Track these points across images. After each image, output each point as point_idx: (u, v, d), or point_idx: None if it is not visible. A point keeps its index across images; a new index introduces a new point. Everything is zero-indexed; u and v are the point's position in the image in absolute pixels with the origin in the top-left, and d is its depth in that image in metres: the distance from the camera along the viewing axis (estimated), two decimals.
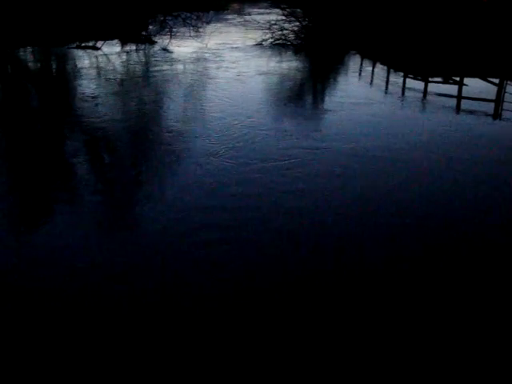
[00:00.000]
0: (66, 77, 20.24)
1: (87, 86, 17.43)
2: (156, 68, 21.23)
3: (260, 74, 19.80)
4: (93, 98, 15.58)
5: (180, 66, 21.65)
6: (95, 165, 10.68)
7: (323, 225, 7.90)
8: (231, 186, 9.23)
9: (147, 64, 22.66)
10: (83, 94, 16.28)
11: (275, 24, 29.44)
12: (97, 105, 14.74)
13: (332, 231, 7.73)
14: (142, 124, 13.49)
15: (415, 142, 12.13)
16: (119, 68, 21.58)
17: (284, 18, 29.86)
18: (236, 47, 26.97)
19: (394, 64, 21.83)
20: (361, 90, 17.99)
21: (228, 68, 20.92)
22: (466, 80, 18.16)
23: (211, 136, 12.06)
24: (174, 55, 24.43)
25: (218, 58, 23.21)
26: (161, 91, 17.35)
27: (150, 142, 11.99)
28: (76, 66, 21.74)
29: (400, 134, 12.75)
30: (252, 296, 6.16)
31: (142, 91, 17.15)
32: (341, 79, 20.53)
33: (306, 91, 19.29)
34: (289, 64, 23.07)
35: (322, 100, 17.11)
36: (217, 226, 7.76)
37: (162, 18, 30.51)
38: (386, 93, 17.69)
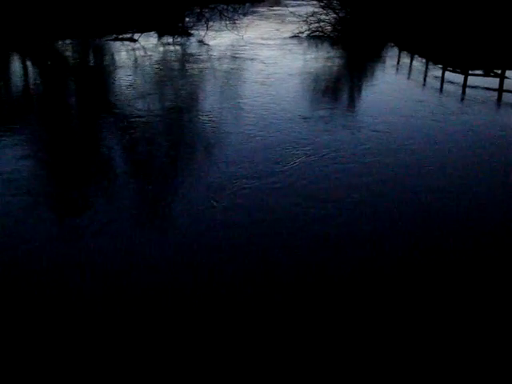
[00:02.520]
0: (104, 68, 20.47)
1: (124, 77, 17.59)
2: (192, 59, 21.29)
3: (292, 75, 19.63)
4: (129, 87, 15.73)
5: (216, 58, 21.65)
6: (131, 152, 10.77)
7: None
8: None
9: (183, 56, 22.73)
10: (120, 85, 16.45)
11: (312, 16, 29.24)
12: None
13: None
14: (177, 117, 13.54)
15: (454, 138, 11.88)
16: (155, 60, 21.70)
17: (321, 9, 29.62)
18: (272, 39, 26.86)
19: (432, 56, 21.41)
20: (398, 84, 17.71)
21: (263, 61, 20.85)
22: (508, 73, 17.68)
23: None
24: (210, 47, 24.47)
25: (253, 51, 23.14)
26: (197, 84, 17.37)
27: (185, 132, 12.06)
28: (114, 57, 21.99)
29: (438, 128, 12.51)
30: None
31: (176, 85, 17.20)
32: (378, 73, 20.17)
33: (342, 87, 19.02)
34: (325, 57, 22.85)
35: (358, 96, 16.85)
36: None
37: (198, 10, 30.61)
38: (424, 86, 17.38)
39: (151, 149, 11.15)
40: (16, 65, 20.40)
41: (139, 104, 14.27)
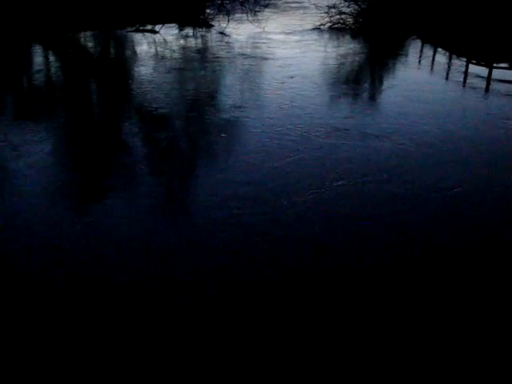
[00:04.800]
0: (125, 60, 20.52)
1: (145, 69, 17.62)
2: (213, 52, 21.25)
3: (315, 65, 19.52)
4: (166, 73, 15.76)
5: (236, 50, 21.56)
6: (149, 143, 10.80)
7: None
8: None
9: (204, 48, 22.67)
10: (140, 76, 16.48)
11: (333, 7, 28.96)
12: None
13: None
14: (194, 108, 13.54)
15: (475, 132, 11.73)
16: (176, 51, 21.69)
17: (343, 1, 29.31)
18: (293, 31, 26.68)
19: (456, 49, 21.10)
20: (422, 78, 17.50)
21: (284, 53, 20.74)
22: None
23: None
24: (231, 39, 24.38)
25: (274, 43, 23.02)
26: (217, 76, 17.34)
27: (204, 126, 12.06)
28: (135, 49, 22.03)
29: (460, 122, 12.36)
30: None
31: (196, 76, 17.17)
32: (401, 70, 19.79)
33: (364, 80, 18.82)
34: (346, 49, 22.66)
35: (380, 90, 16.68)
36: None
37: (219, 2, 30.48)
38: (447, 79, 17.15)
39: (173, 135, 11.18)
40: (38, 56, 20.52)
41: (158, 95, 14.30)
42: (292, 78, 15.92)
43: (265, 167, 9.45)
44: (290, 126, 11.55)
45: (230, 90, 14.95)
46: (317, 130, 11.42)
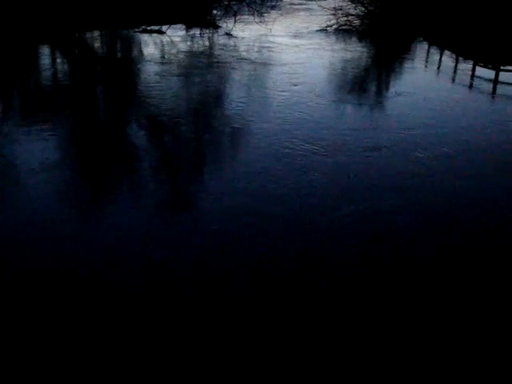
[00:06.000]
0: (132, 59, 20.56)
1: (151, 69, 17.65)
2: (218, 55, 21.25)
3: (322, 72, 19.48)
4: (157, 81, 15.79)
5: (242, 54, 21.52)
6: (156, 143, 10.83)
7: None
8: None
9: (209, 52, 22.56)
10: (147, 76, 16.52)
11: (340, 9, 28.98)
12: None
13: None
14: (195, 118, 13.54)
15: (480, 136, 11.70)
16: (181, 55, 21.71)
17: (349, 2, 29.33)
18: (299, 34, 26.70)
19: (462, 51, 21.08)
20: (429, 82, 17.48)
21: (290, 53, 20.77)
22: None
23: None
24: (237, 41, 24.41)
25: (280, 47, 23.04)
26: (222, 77, 17.31)
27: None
28: (141, 49, 22.08)
29: (466, 127, 12.34)
30: None
31: (202, 77, 17.15)
32: (407, 68, 19.74)
33: (370, 82, 18.74)
34: (352, 53, 22.63)
35: (385, 93, 16.61)
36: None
37: (226, 3, 30.54)
38: (453, 82, 17.14)
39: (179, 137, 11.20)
40: (44, 56, 20.60)
41: (163, 96, 14.32)
42: (295, 86, 15.69)
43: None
44: (294, 140, 11.20)
45: (234, 100, 14.26)
46: (325, 147, 11.41)
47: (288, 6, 39.27)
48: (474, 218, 7.92)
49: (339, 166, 9.64)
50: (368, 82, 18.12)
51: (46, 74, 17.23)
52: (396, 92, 15.38)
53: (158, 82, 15.86)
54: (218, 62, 19.36)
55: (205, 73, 17.59)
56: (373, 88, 17.14)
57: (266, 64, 18.91)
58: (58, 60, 20.01)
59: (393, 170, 9.60)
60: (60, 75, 17.19)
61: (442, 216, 7.92)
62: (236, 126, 11.88)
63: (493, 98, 15.18)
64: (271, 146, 10.49)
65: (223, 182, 8.87)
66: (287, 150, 10.27)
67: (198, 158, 10.27)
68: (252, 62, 19.30)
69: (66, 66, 18.85)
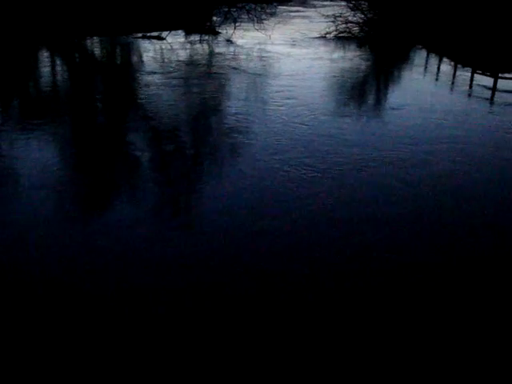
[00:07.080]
0: (131, 65, 20.56)
1: (150, 75, 17.66)
2: (217, 64, 21.23)
3: (320, 75, 19.48)
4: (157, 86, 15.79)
5: (240, 64, 21.40)
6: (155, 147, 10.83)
7: None
8: None
9: (208, 61, 22.24)
10: (146, 83, 16.54)
11: (340, 16, 29.07)
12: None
13: None
14: (199, 113, 13.53)
15: (480, 143, 11.72)
16: (182, 58, 21.72)
17: (349, 10, 29.43)
18: (299, 41, 26.75)
19: (461, 59, 21.12)
20: (426, 88, 17.49)
21: (290, 59, 20.79)
22: None
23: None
24: (237, 47, 24.44)
25: (278, 56, 23.05)
26: (221, 84, 17.30)
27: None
28: (141, 55, 22.09)
29: (464, 135, 12.36)
30: None
31: (200, 84, 17.14)
32: (406, 78, 19.62)
33: (369, 90, 18.64)
34: (351, 62, 22.66)
35: (385, 100, 16.53)
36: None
37: (226, 9, 30.64)
38: (451, 90, 17.16)
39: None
40: (44, 61, 20.61)
41: (161, 99, 14.35)
42: (294, 99, 15.60)
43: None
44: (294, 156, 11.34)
45: (230, 114, 13.84)
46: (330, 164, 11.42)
47: (287, 13, 39.40)
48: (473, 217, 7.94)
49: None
50: (367, 93, 17.88)
51: (45, 79, 17.22)
52: (391, 107, 14.89)
53: (154, 91, 15.88)
54: (216, 74, 18.89)
55: (202, 84, 17.02)
56: (370, 100, 16.78)
57: (262, 75, 18.57)
58: (57, 66, 20.02)
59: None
60: (58, 81, 17.19)
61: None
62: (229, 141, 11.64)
63: (491, 105, 15.18)
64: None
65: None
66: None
67: (190, 172, 10.27)
68: (248, 75, 18.91)
69: (64, 72, 18.85)
